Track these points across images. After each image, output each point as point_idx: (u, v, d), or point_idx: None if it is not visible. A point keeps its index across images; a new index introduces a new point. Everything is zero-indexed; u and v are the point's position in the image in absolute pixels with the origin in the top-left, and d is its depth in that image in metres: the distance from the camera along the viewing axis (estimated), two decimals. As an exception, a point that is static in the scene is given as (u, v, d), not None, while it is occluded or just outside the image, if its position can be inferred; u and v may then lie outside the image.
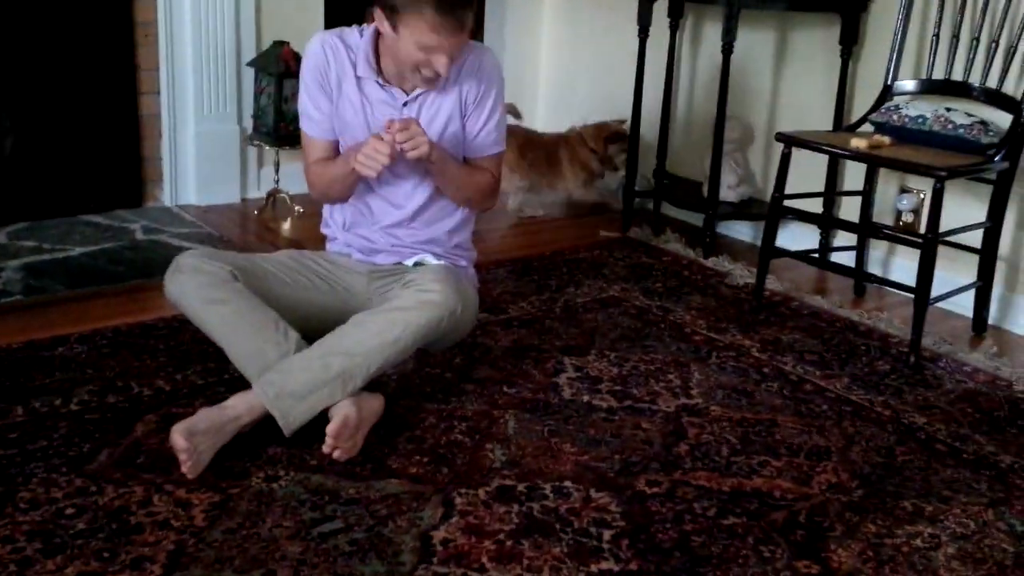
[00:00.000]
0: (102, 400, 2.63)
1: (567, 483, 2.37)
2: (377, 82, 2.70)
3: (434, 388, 2.80)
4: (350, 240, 2.90)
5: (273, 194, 4.28)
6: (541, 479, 2.38)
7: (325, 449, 2.39)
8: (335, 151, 2.80)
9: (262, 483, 2.30)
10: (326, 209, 2.95)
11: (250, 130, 4.33)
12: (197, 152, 4.27)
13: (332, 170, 2.75)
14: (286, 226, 4.12)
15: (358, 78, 2.71)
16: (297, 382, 2.44)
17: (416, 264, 2.81)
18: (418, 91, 2.70)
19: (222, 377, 2.77)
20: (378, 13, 2.53)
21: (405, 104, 2.71)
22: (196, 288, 2.58)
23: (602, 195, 4.70)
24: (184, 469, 2.30)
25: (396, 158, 2.55)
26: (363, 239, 2.87)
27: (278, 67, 4.09)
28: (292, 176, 4.18)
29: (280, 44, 4.14)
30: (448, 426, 2.60)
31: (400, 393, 2.75)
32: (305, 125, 2.80)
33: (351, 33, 2.75)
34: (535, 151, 4.59)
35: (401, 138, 2.52)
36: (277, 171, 4.26)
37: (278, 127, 4.15)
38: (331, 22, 4.54)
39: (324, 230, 2.99)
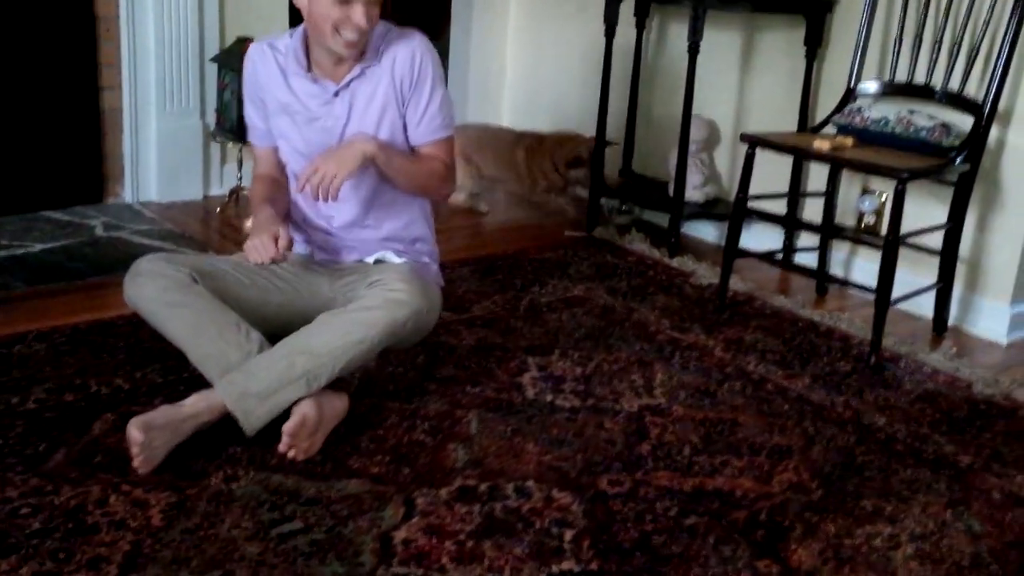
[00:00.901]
0: (60, 398, 2.60)
1: (529, 483, 2.36)
2: (308, 76, 2.67)
3: (396, 387, 2.78)
4: (308, 238, 2.88)
5: (236, 191, 4.25)
6: (503, 479, 2.38)
7: (281, 448, 2.37)
8: (277, 161, 2.84)
9: (221, 483, 2.28)
10: None
11: (213, 126, 4.30)
12: (159, 148, 4.24)
13: (253, 209, 2.75)
14: (248, 223, 4.07)
15: (286, 77, 2.70)
16: (260, 382, 2.42)
17: (377, 261, 2.80)
18: (348, 78, 2.66)
19: (181, 375, 2.74)
20: None
21: (336, 94, 2.67)
22: (156, 292, 2.56)
23: (557, 205, 4.66)
24: (136, 463, 2.28)
25: (280, 261, 2.54)
26: (322, 235, 2.86)
27: (241, 62, 4.05)
28: (255, 173, 4.16)
29: (244, 40, 4.10)
30: (410, 425, 2.59)
31: (362, 392, 2.73)
32: (249, 131, 2.89)
33: (282, 37, 2.75)
34: (494, 147, 4.59)
35: (313, 184, 2.51)
36: (240, 168, 4.23)
37: (241, 123, 4.11)
38: (295, 17, 4.51)
39: None
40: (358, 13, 2.51)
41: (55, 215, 3.97)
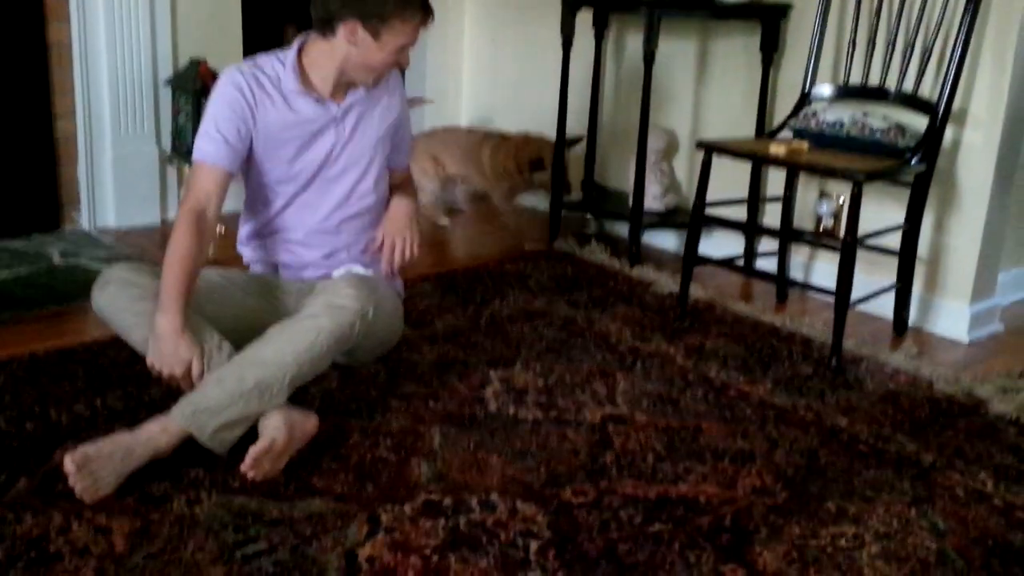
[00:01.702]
0: (20, 427, 2.57)
1: (493, 496, 2.36)
2: (313, 99, 2.75)
3: (359, 404, 2.77)
4: (274, 256, 2.90)
5: (195, 214, 4.23)
6: (467, 493, 2.37)
7: (243, 468, 2.35)
8: (222, 186, 2.70)
9: (183, 506, 2.25)
10: (244, 230, 2.93)
11: (169, 150, 4.28)
12: (115, 174, 4.21)
13: (164, 272, 2.56)
14: (208, 247, 4.06)
15: (285, 97, 2.73)
16: (212, 397, 2.41)
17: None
18: (349, 100, 2.79)
19: (142, 400, 2.72)
20: (350, 25, 2.62)
21: (345, 113, 2.80)
22: (128, 301, 2.57)
23: (509, 219, 4.63)
24: (77, 492, 2.25)
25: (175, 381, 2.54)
26: (289, 253, 2.88)
27: (195, 85, 4.05)
28: (214, 195, 4.14)
29: (197, 62, 4.10)
30: (373, 443, 2.58)
31: (324, 410, 2.71)
32: (203, 148, 2.70)
33: (266, 60, 2.77)
34: (460, 145, 4.59)
35: (399, 257, 2.85)
36: (198, 191, 4.20)
37: (199, 146, 4.10)
38: (248, 39, 4.52)
39: (242, 249, 2.96)
40: (406, 57, 2.74)
41: (11, 244, 3.93)
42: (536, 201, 4.74)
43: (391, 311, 2.84)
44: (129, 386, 2.80)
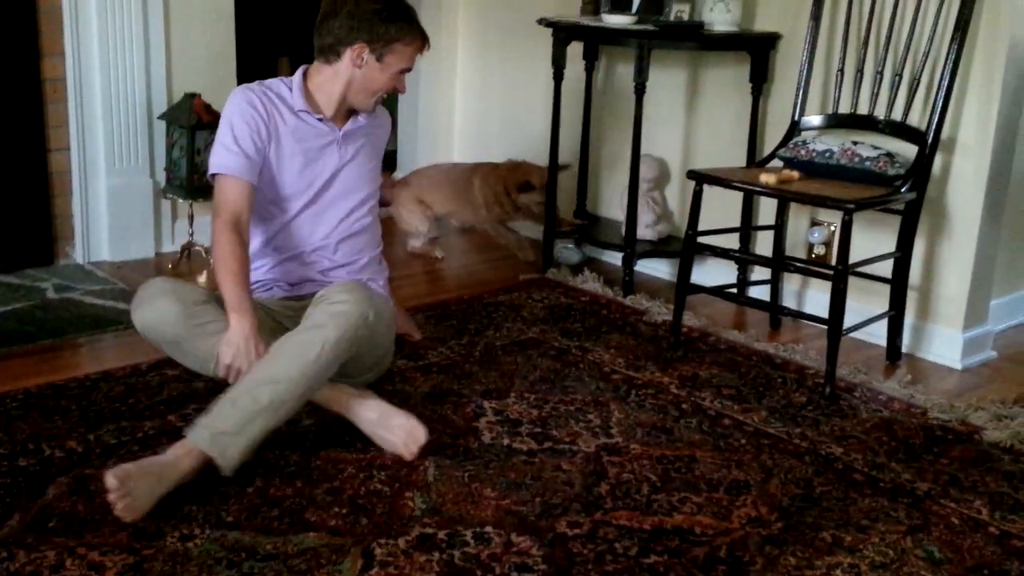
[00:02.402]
0: (13, 463, 2.56)
1: (488, 528, 2.36)
2: (318, 118, 2.92)
3: (352, 437, 2.76)
4: (272, 275, 2.99)
5: (188, 247, 4.24)
6: (462, 525, 2.36)
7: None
8: (249, 198, 2.83)
9: (177, 542, 2.25)
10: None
11: (163, 183, 4.29)
12: (109, 208, 4.21)
13: (221, 281, 2.72)
14: (201, 279, 4.06)
15: (297, 116, 2.90)
16: (229, 419, 2.46)
17: None
18: (350, 127, 2.98)
19: (135, 436, 2.72)
20: (357, 49, 2.83)
21: (346, 138, 2.97)
22: (183, 314, 2.67)
23: (511, 240, 4.64)
24: (116, 510, 2.29)
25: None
26: (288, 271, 2.99)
27: (190, 119, 4.06)
28: (207, 229, 4.12)
29: (192, 96, 4.11)
30: (367, 475, 2.57)
31: (318, 443, 2.72)
32: (224, 161, 2.81)
33: (272, 82, 2.95)
34: (448, 182, 4.61)
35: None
36: (191, 224, 4.21)
37: (191, 179, 4.11)
38: (242, 73, 4.53)
39: None
40: (403, 83, 2.96)
41: (5, 279, 3.93)
42: (529, 231, 4.75)
43: (388, 319, 2.92)
44: (122, 421, 2.80)
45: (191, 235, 4.22)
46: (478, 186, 4.54)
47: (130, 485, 2.30)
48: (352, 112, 2.99)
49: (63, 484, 2.47)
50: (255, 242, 2.97)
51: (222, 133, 2.85)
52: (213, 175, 2.85)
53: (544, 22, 4.27)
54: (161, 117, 4.22)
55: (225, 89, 4.30)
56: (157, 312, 2.69)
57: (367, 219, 3.09)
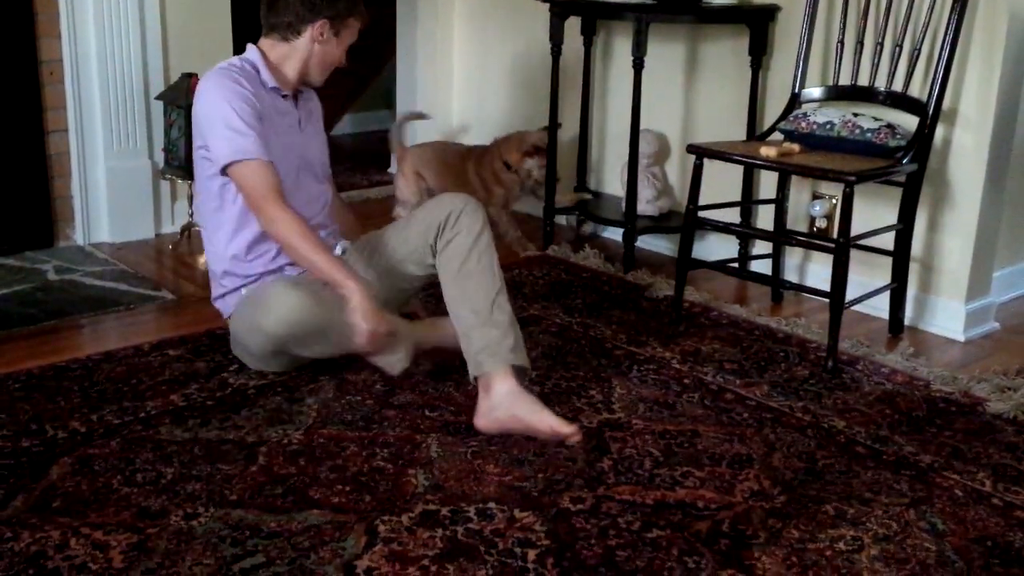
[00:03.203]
0: (16, 444, 2.57)
1: (491, 504, 2.36)
2: (283, 95, 2.98)
3: (355, 415, 2.77)
4: (284, 259, 2.97)
5: (188, 228, 4.23)
6: (465, 502, 2.37)
7: None
8: (278, 174, 2.85)
9: (181, 521, 2.25)
10: (235, 245, 2.96)
11: (162, 164, 4.28)
12: (108, 189, 4.21)
13: (311, 257, 2.79)
14: (201, 259, 4.05)
15: (267, 91, 2.93)
16: (509, 337, 2.75)
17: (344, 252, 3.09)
18: (303, 103, 3.08)
19: (138, 416, 2.72)
20: (320, 25, 2.91)
21: (302, 112, 3.06)
22: (316, 299, 2.75)
23: (513, 236, 4.52)
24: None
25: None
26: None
27: (187, 99, 4.04)
28: (207, 209, 4.14)
29: (189, 76, 4.09)
30: (370, 453, 2.58)
31: (320, 422, 2.72)
32: (244, 146, 2.80)
33: (235, 62, 2.96)
34: (442, 159, 4.60)
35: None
36: (191, 204, 4.20)
37: (190, 159, 4.09)
38: (238, 52, 4.51)
39: (236, 267, 2.98)
40: (345, 57, 3.05)
41: (6, 261, 3.93)
42: (529, 207, 4.74)
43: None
44: (124, 401, 2.81)
45: (191, 215, 4.22)
46: (472, 171, 4.51)
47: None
48: (297, 90, 3.06)
49: (66, 464, 2.47)
50: (252, 233, 2.94)
51: (226, 117, 2.80)
52: (232, 163, 2.80)
53: (541, -3, 4.25)
54: (159, 98, 4.20)
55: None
56: (294, 304, 2.73)
57: (328, 188, 3.20)
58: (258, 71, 2.93)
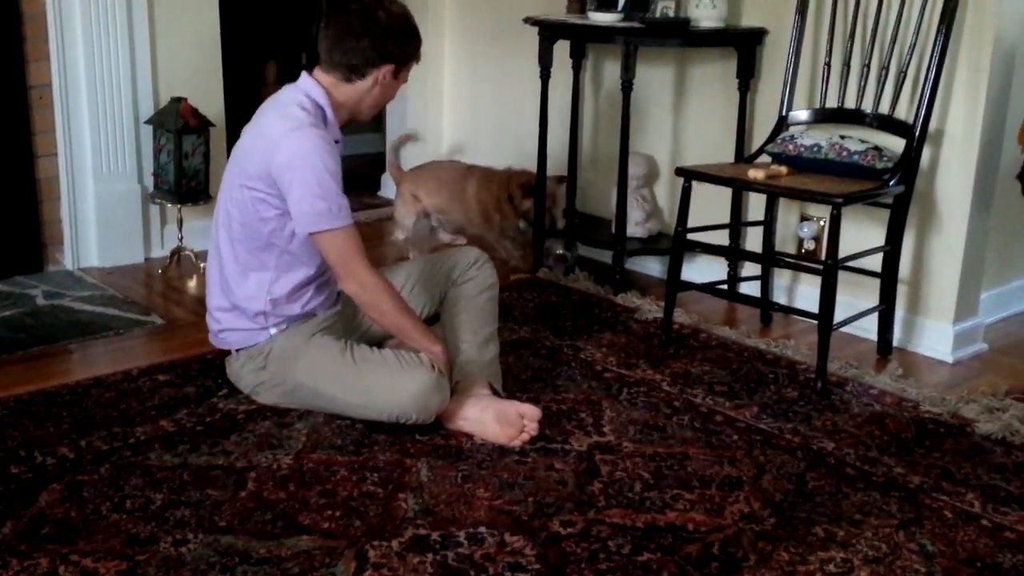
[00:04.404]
0: (4, 471, 2.56)
1: (481, 529, 2.35)
2: (336, 140, 2.89)
3: (345, 440, 2.77)
4: (323, 294, 2.99)
5: (177, 252, 4.23)
6: (455, 526, 2.36)
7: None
8: None
9: (170, 547, 2.24)
10: (279, 288, 2.91)
11: (151, 188, 4.28)
12: (97, 213, 4.21)
13: (400, 321, 2.87)
14: (191, 283, 4.07)
15: (334, 140, 2.88)
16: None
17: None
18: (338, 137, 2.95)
19: (127, 442, 2.72)
20: (385, 70, 2.85)
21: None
22: (440, 378, 2.80)
23: (513, 255, 4.55)
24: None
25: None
26: (322, 288, 2.99)
27: (177, 123, 4.05)
28: (196, 233, 4.14)
29: (178, 100, 4.11)
30: (360, 477, 2.57)
31: (310, 446, 2.72)
32: (342, 212, 2.77)
33: (307, 106, 2.83)
34: (438, 176, 4.62)
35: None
36: (180, 228, 4.21)
37: (180, 184, 4.11)
38: (228, 77, 4.53)
39: (280, 310, 2.93)
40: None
41: (-6, 286, 3.93)
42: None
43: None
44: (114, 427, 2.80)
45: (180, 239, 4.22)
46: (473, 191, 4.52)
47: None
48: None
49: (55, 491, 2.47)
50: (303, 275, 2.92)
51: (321, 181, 2.72)
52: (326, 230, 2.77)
53: (530, 21, 4.27)
54: (148, 122, 4.21)
55: (212, 93, 4.37)
56: (441, 399, 2.80)
57: None
58: (325, 114, 2.86)
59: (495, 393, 2.93)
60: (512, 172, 4.54)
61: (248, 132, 2.88)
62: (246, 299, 2.90)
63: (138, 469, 2.57)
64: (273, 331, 2.91)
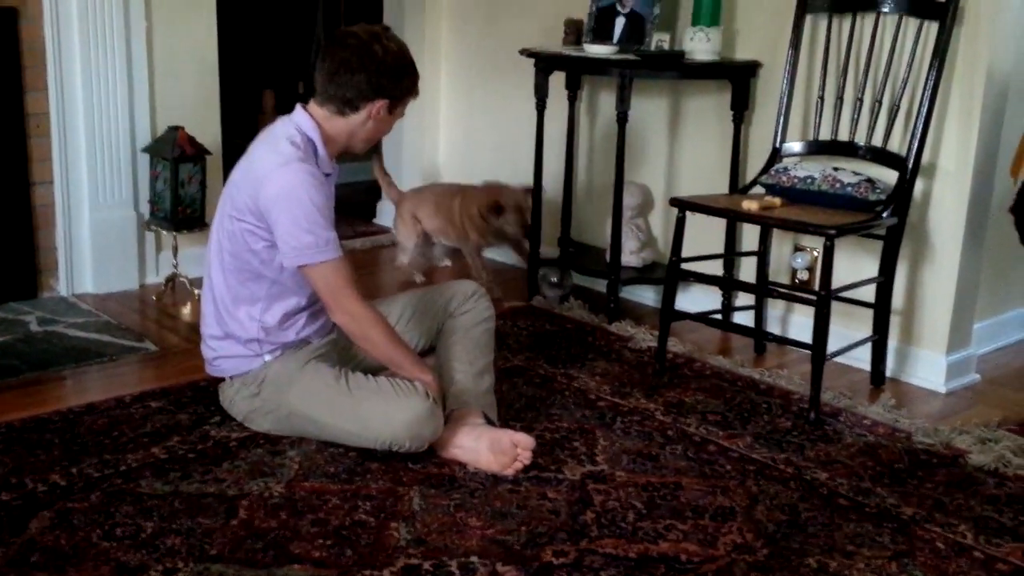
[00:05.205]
0: (-5, 497, 2.56)
1: (473, 558, 2.35)
2: (327, 173, 2.90)
3: (337, 468, 2.76)
4: (310, 331, 2.98)
5: (172, 278, 4.23)
6: (447, 556, 2.36)
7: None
8: None
9: (161, 576, 2.24)
10: (270, 316, 2.91)
11: (147, 215, 4.29)
12: (93, 240, 4.21)
13: (391, 352, 2.88)
14: (186, 310, 4.07)
15: (325, 174, 2.88)
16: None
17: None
18: (332, 170, 2.95)
19: (119, 469, 2.71)
20: (380, 105, 2.84)
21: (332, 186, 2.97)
22: (433, 406, 2.81)
23: (482, 278, 4.47)
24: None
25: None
26: (316, 317, 2.99)
27: (173, 151, 4.07)
28: (191, 260, 4.15)
29: (175, 129, 4.12)
30: (352, 506, 2.57)
31: (303, 474, 2.71)
32: (329, 245, 2.78)
33: (297, 140, 2.82)
34: (434, 199, 4.64)
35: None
36: (176, 255, 4.21)
37: (176, 211, 4.11)
38: (226, 107, 4.55)
39: (272, 336, 2.93)
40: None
41: (-11, 312, 3.93)
42: (514, 258, 4.76)
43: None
44: (105, 454, 2.79)
45: (175, 266, 4.22)
46: (457, 209, 4.53)
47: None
48: None
49: (46, 518, 2.46)
50: (293, 303, 2.92)
51: (308, 216, 2.73)
52: (315, 263, 2.78)
53: (526, 53, 4.29)
54: (145, 150, 4.23)
55: (209, 122, 4.38)
56: (435, 427, 2.80)
57: None
58: (316, 148, 2.86)
59: (489, 422, 2.93)
60: (484, 188, 4.52)
61: (240, 165, 2.90)
62: (238, 327, 2.91)
63: (129, 497, 2.57)
64: (267, 358, 2.92)
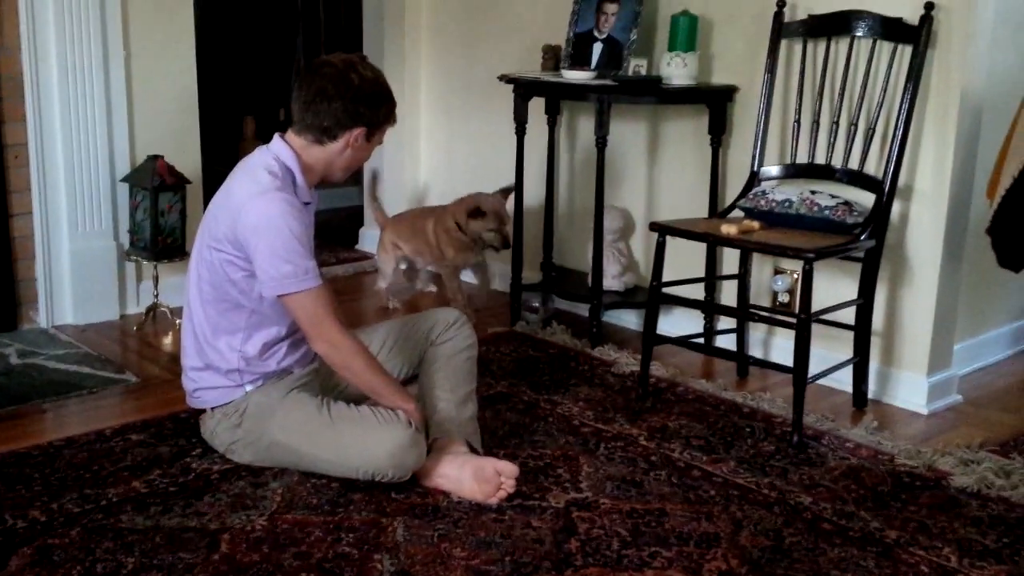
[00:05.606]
0: (-25, 534, 2.54)
1: (457, 589, 2.34)
2: (306, 203, 2.90)
3: (320, 499, 2.75)
4: (291, 360, 2.97)
5: (153, 308, 4.22)
6: (431, 587, 2.35)
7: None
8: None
9: (143, 612, 2.23)
10: (251, 346, 2.90)
11: (127, 246, 4.27)
12: (72, 271, 4.19)
13: (372, 381, 2.87)
14: (167, 340, 4.05)
15: (303, 202, 2.88)
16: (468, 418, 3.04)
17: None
18: (311, 199, 2.95)
19: (99, 503, 2.69)
20: (358, 133, 2.85)
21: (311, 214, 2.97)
22: (415, 434, 2.82)
23: (458, 300, 4.50)
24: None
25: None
26: (298, 346, 2.98)
27: (153, 181, 4.06)
28: (172, 289, 4.13)
29: (155, 158, 4.11)
30: (335, 538, 2.55)
31: (285, 506, 2.70)
32: (315, 275, 2.78)
33: (275, 170, 2.82)
34: (410, 222, 4.66)
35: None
36: (156, 285, 4.20)
37: (156, 241, 4.10)
38: (206, 135, 4.54)
39: (255, 365, 2.93)
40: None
41: (-32, 345, 3.91)
42: (496, 283, 4.77)
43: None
44: (86, 488, 2.77)
45: (156, 296, 4.21)
46: (431, 228, 4.54)
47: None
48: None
49: (26, 555, 2.44)
50: (268, 335, 2.92)
51: (286, 245, 2.72)
52: (294, 292, 2.76)
53: (505, 79, 4.31)
54: (124, 179, 4.22)
55: (189, 150, 4.37)
56: (418, 456, 2.80)
57: None
58: (294, 177, 2.85)
59: (472, 450, 2.92)
60: (458, 200, 4.52)
61: (218, 195, 2.90)
62: (219, 358, 2.90)
63: (110, 532, 2.55)
64: (249, 388, 2.91)
